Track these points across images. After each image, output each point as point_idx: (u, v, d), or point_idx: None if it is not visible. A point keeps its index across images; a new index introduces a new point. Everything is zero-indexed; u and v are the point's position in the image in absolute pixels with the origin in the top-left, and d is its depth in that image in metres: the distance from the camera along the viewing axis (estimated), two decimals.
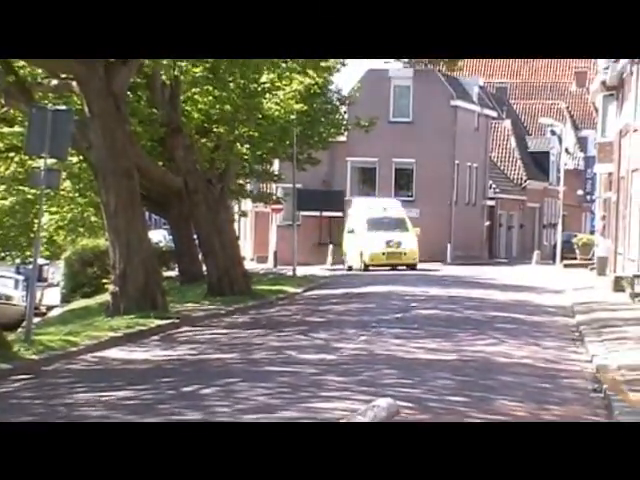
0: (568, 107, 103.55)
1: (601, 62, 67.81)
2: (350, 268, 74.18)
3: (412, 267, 72.29)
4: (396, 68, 74.39)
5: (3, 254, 50.75)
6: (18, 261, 55.05)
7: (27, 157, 34.36)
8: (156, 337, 32.62)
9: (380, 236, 72.36)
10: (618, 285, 50.50)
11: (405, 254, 72.84)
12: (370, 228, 74.12)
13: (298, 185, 64.71)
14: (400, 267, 72.70)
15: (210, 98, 44.47)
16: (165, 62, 38.17)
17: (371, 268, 71.72)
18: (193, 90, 44.07)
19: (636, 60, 52.75)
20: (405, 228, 74.77)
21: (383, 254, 72.70)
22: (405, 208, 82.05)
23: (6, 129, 38.73)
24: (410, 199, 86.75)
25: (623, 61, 57.52)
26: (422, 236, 74.99)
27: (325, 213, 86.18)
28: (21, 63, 35.84)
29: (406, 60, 43.10)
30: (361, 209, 77.91)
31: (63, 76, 36.95)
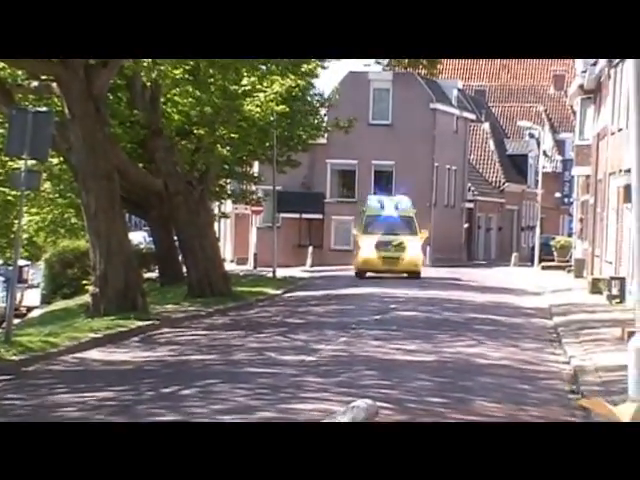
0: (546, 110, 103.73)
1: (579, 66, 67.97)
2: (357, 273, 65.54)
3: (414, 275, 62.91)
4: (376, 71, 74.50)
5: None
6: None
7: (7, 158, 34.32)
8: (136, 338, 32.63)
9: (377, 238, 64.15)
10: (595, 287, 50.72)
11: (404, 260, 63.20)
12: (368, 228, 66.07)
13: (278, 187, 64.71)
14: (400, 274, 63.66)
15: (190, 100, 44.53)
16: (145, 64, 38.17)
17: (368, 275, 63.46)
18: (173, 92, 44.13)
19: (613, 63, 52.88)
20: (410, 230, 65.75)
21: (378, 259, 63.11)
22: None
23: None
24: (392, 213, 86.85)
25: (601, 64, 57.64)
26: None
27: (305, 215, 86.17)
28: (1, 65, 35.83)
29: (385, 63, 43.15)
30: (368, 207, 69.58)
31: (43, 78, 36.96)
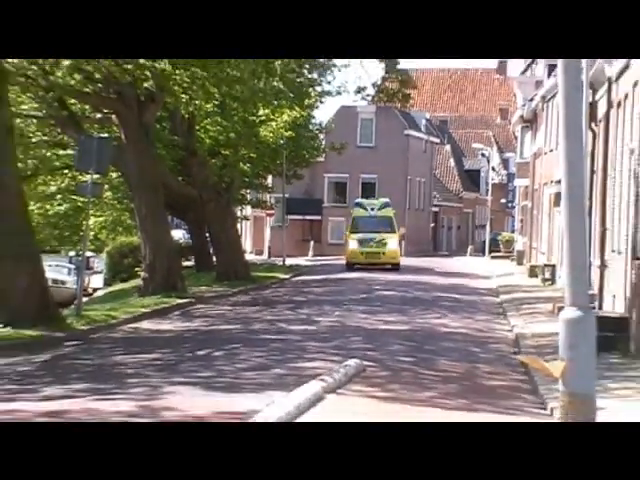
0: (494, 135, 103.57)
1: (519, 100, 68.02)
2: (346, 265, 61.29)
3: (394, 268, 58.61)
4: (362, 105, 73.88)
5: (59, 248, 50.49)
6: (71, 254, 54.78)
7: (77, 173, 34.31)
8: (177, 312, 32.63)
9: (361, 236, 60.29)
10: (532, 272, 50.81)
11: (384, 254, 59.61)
12: (355, 228, 61.86)
13: (286, 195, 64.81)
14: (382, 266, 58.86)
15: (218, 127, 44.47)
16: (184, 100, 38.07)
17: (356, 267, 58.59)
18: (205, 121, 44.05)
19: (546, 99, 52.89)
20: (390, 229, 61.50)
21: (362, 253, 59.69)
22: None
23: (61, 152, 38.62)
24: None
25: (536, 100, 57.82)
26: None
27: (307, 216, 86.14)
28: (72, 100, 35.78)
29: (369, 99, 42.92)
30: (355, 210, 65.50)
31: (105, 111, 36.93)
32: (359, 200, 69.38)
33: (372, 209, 63.81)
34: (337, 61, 44.75)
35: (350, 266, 58.93)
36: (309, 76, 44.05)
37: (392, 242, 60.51)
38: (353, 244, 60.27)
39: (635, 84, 22.49)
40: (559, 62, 6.36)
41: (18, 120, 32.30)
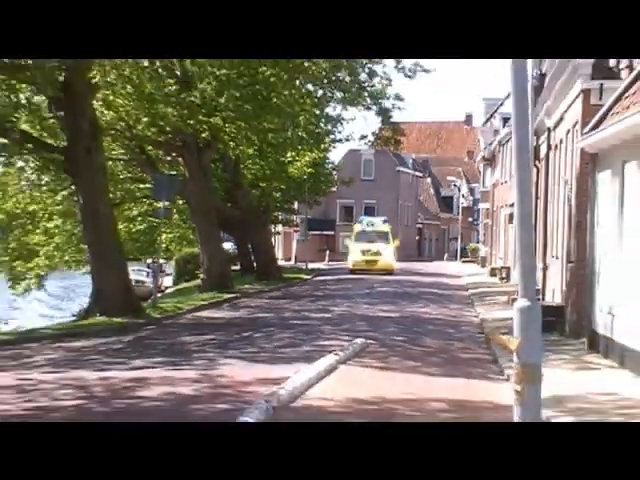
0: (463, 170, 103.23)
1: (482, 144, 68.01)
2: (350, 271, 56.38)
3: (389, 273, 53.66)
4: (364, 149, 73.88)
5: (140, 257, 50.64)
6: (148, 261, 54.88)
7: (153, 201, 34.48)
8: (227, 304, 32.61)
9: (361, 246, 56.07)
10: (492, 272, 50.73)
11: (380, 262, 54.85)
12: (357, 239, 57.65)
13: (308, 216, 64.83)
14: (379, 272, 53.34)
15: (257, 166, 44.52)
16: (232, 146, 38.15)
17: (357, 272, 53.67)
18: (248, 162, 44.10)
19: (502, 143, 52.86)
20: (386, 240, 56.99)
21: (362, 261, 55.20)
22: None
23: (141, 185, 38.75)
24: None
25: (494, 144, 57.91)
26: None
27: (324, 232, 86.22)
28: (149, 147, 35.84)
29: (370, 144, 42.96)
30: (357, 226, 61.58)
31: (173, 155, 37.01)
32: (361, 217, 66.37)
33: (371, 225, 59.90)
34: (345, 115, 45.05)
35: (353, 272, 54.58)
36: (324, 127, 44.09)
37: (387, 252, 56.13)
38: (355, 254, 56.17)
39: (567, 132, 22.47)
40: (512, 117, 6.37)
41: (110, 162, 32.43)
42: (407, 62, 33.00)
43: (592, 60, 19.36)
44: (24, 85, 25.12)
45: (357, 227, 60.43)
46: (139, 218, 42.40)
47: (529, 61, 6.60)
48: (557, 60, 21.93)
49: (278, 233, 78.05)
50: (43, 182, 33.79)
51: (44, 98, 26.13)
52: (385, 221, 61.70)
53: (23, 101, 26.70)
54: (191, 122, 31.29)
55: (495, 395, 13.48)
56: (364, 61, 34.66)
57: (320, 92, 38.50)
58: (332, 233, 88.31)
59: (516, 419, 6.11)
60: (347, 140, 47.95)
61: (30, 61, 22.69)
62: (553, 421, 11.01)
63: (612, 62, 19.68)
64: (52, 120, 27.00)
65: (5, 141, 27.14)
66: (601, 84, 19.35)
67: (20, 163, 31.95)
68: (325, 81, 35.91)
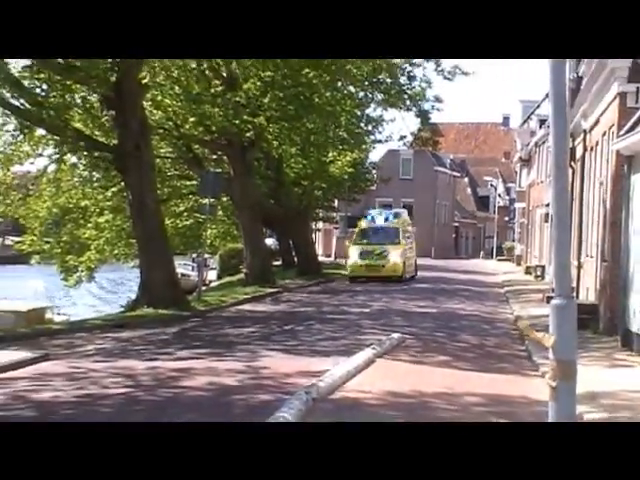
0: (500, 171, 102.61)
1: (519, 145, 67.61)
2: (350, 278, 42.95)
3: (397, 280, 40.98)
4: (403, 149, 73.55)
5: (186, 251, 50.87)
6: (194, 255, 55.16)
7: (199, 198, 34.57)
8: (269, 298, 32.69)
9: (362, 248, 42.68)
10: (527, 271, 50.50)
11: (384, 267, 41.61)
12: (358, 240, 44.26)
13: (348, 213, 64.58)
14: (384, 279, 40.95)
15: (300, 165, 44.52)
16: (275, 145, 38.24)
17: (356, 279, 41.98)
18: (290, 161, 44.08)
19: (539, 144, 52.54)
20: (396, 239, 43.15)
21: (362, 266, 42.04)
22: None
23: (187, 182, 38.87)
24: (412, 222, 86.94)
25: (531, 145, 57.47)
26: (417, 244, 73.90)
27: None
28: (196, 146, 35.98)
29: (408, 144, 42.89)
30: (362, 221, 47.67)
31: (219, 153, 37.13)
32: (370, 211, 51.29)
33: (380, 220, 46.05)
34: (385, 116, 44.88)
35: (353, 279, 41.99)
36: (365, 128, 44.11)
37: (394, 254, 42.22)
38: (353, 257, 42.93)
39: (603, 134, 22.28)
40: (550, 118, 6.31)
41: (158, 160, 32.54)
42: (446, 64, 32.90)
43: (629, 63, 19.27)
44: (78, 85, 25.29)
45: (361, 224, 46.95)
46: (185, 214, 42.51)
47: (567, 63, 6.49)
48: (594, 63, 21.75)
49: (319, 230, 78.14)
50: (95, 179, 33.99)
51: (97, 98, 26.29)
52: (397, 214, 48.02)
53: (77, 100, 26.90)
54: (236, 122, 31.41)
55: (529, 390, 13.40)
56: (405, 64, 34.62)
57: (361, 94, 38.59)
58: None
59: (551, 414, 6.05)
60: (387, 140, 47.87)
61: (82, 62, 22.87)
62: (586, 417, 10.94)
63: None
64: (104, 119, 27.18)
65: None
66: (637, 87, 19.20)
67: (73, 160, 32.18)
68: (366, 83, 35.94)
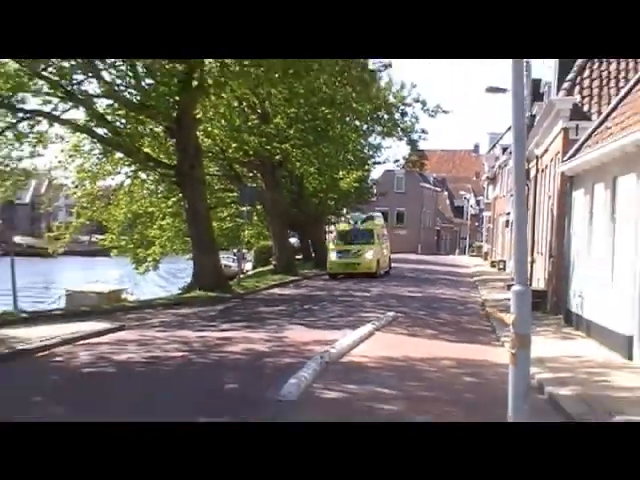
0: (472, 187, 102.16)
1: (486, 167, 67.38)
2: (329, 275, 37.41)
3: (371, 275, 36.08)
4: (397, 169, 73.21)
5: (228, 247, 50.63)
6: (234, 250, 55.08)
7: (238, 206, 34.53)
8: (292, 284, 32.58)
9: (340, 247, 37.74)
10: (492, 264, 50.17)
11: (360, 264, 36.74)
12: (336, 240, 39.57)
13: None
14: (361, 275, 36.09)
15: (317, 181, 44.39)
16: (298, 165, 38.13)
17: (336, 276, 36.79)
18: (309, 178, 43.92)
19: (502, 165, 52.36)
20: (370, 241, 38.03)
21: (340, 264, 36.98)
22: (399, 230, 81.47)
23: (229, 194, 38.78)
24: (403, 226, 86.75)
25: (495, 167, 57.29)
26: (404, 242, 73.61)
27: None
28: (237, 165, 35.87)
29: (401, 166, 42.85)
30: (340, 224, 44.24)
31: (254, 172, 37.07)
32: (350, 214, 45.66)
33: (356, 222, 40.62)
34: (383, 144, 44.80)
35: (333, 276, 36.77)
36: (367, 153, 44.03)
37: (369, 253, 37.29)
38: (332, 256, 37.66)
39: (551, 160, 22.21)
40: (512, 146, 6.30)
41: (207, 177, 32.52)
42: (430, 104, 32.95)
43: (570, 105, 19.38)
44: (148, 119, 25.33)
45: (340, 226, 42.47)
46: (228, 218, 42.41)
47: (526, 103, 6.46)
48: (544, 105, 21.74)
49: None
50: (159, 191, 34.01)
51: (161, 129, 26.33)
52: (370, 217, 41.71)
53: (147, 131, 26.94)
54: (268, 147, 31.46)
55: (493, 356, 13.37)
56: (398, 103, 34.60)
57: (365, 126, 38.57)
58: None
59: (510, 375, 6.04)
60: (384, 163, 47.85)
61: (151, 101, 22.90)
62: (537, 377, 10.90)
63: (586, 107, 19.63)
64: (167, 145, 27.22)
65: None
66: (577, 124, 19.26)
67: (143, 176, 32.23)
68: (368, 118, 35.96)
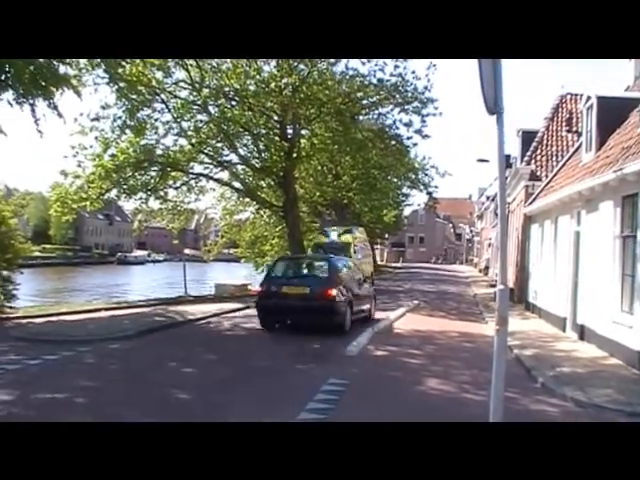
0: (468, 221, 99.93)
1: (476, 209, 65.80)
2: None
3: None
4: (420, 209, 71.72)
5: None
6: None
7: (320, 232, 34.32)
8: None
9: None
10: (480, 271, 48.83)
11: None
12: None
13: (392, 240, 63.38)
14: None
15: (369, 217, 43.44)
16: (357, 206, 37.73)
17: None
18: (365, 214, 42.68)
19: (486, 206, 51.04)
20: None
21: None
22: (421, 248, 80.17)
23: (314, 224, 38.48)
24: (423, 245, 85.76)
25: (482, 209, 55.83)
26: (424, 256, 72.10)
27: (400, 248, 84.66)
28: (319, 206, 35.62)
29: (423, 207, 42.16)
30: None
31: (330, 210, 36.69)
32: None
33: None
34: (411, 193, 43.99)
35: None
36: (401, 198, 43.66)
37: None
38: None
39: (517, 205, 21.81)
40: (498, 196, 6.21)
41: (301, 213, 31.72)
42: (441, 168, 32.56)
43: (529, 171, 19.54)
44: (265, 177, 25.77)
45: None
46: (312, 239, 42.48)
47: (505, 169, 6.34)
48: (513, 170, 21.76)
49: (378, 248, 77.23)
50: (271, 221, 34.48)
51: (274, 182, 26.71)
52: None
53: (263, 183, 27.41)
54: (339, 195, 31.59)
55: (483, 330, 13.15)
56: (421, 168, 34.36)
57: (399, 182, 38.29)
58: (403, 249, 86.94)
59: (495, 342, 5.93)
60: (411, 205, 47.28)
61: (265, 164, 23.31)
62: (510, 343, 10.67)
63: (539, 172, 19.86)
64: (277, 193, 27.62)
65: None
66: (533, 183, 19.36)
67: (262, 212, 32.77)
68: (402, 177, 35.73)
